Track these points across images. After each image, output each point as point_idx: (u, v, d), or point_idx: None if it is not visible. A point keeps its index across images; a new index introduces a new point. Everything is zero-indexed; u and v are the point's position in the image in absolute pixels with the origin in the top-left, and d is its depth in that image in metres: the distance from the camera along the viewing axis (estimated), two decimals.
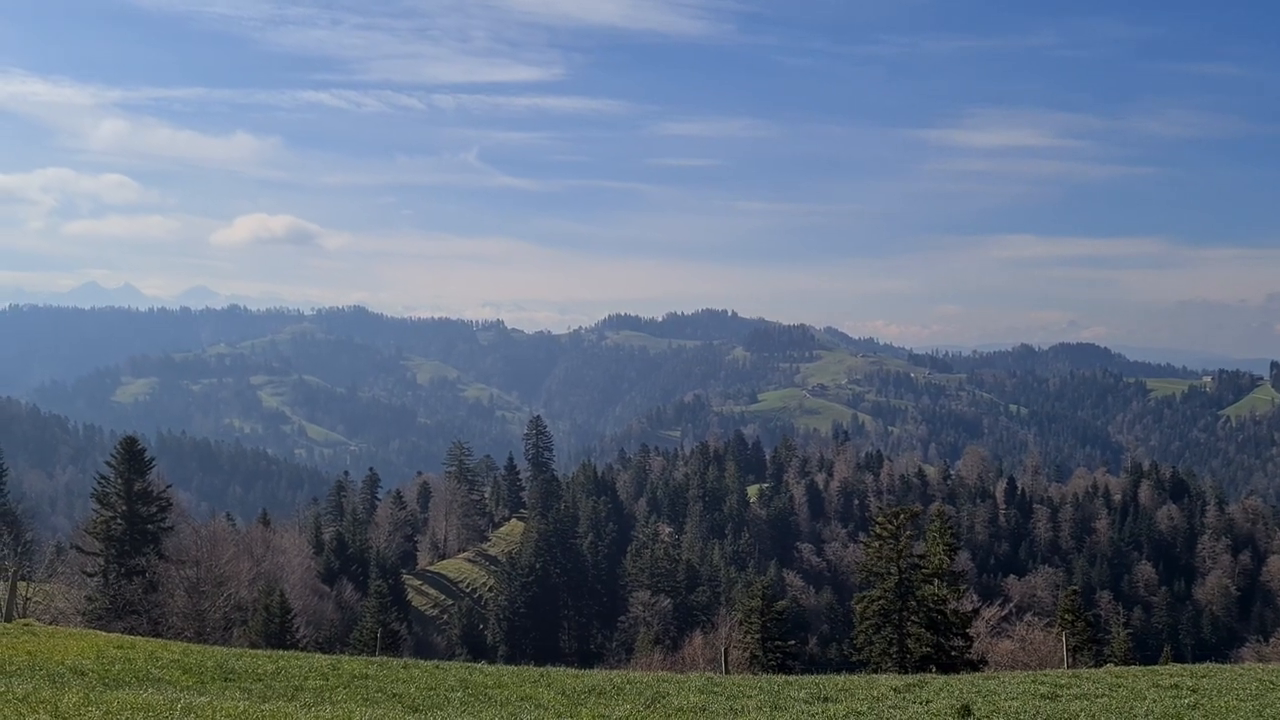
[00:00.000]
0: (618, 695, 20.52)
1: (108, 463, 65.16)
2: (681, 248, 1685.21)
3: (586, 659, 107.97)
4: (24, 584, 56.02)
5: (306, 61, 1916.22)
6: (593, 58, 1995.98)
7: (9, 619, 36.04)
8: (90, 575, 60.50)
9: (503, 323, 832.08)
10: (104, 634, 30.14)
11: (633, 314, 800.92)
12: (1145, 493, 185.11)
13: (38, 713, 11.52)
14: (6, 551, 59.32)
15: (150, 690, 16.73)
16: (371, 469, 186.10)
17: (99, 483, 63.99)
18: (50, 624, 39.85)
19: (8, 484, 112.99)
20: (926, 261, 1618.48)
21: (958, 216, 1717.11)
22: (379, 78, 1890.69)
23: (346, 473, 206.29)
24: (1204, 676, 23.46)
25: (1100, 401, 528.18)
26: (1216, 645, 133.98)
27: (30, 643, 23.86)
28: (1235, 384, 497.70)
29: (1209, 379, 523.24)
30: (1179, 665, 28.38)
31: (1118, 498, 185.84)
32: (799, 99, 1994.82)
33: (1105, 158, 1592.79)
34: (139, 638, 32.46)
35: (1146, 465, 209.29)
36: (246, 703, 14.61)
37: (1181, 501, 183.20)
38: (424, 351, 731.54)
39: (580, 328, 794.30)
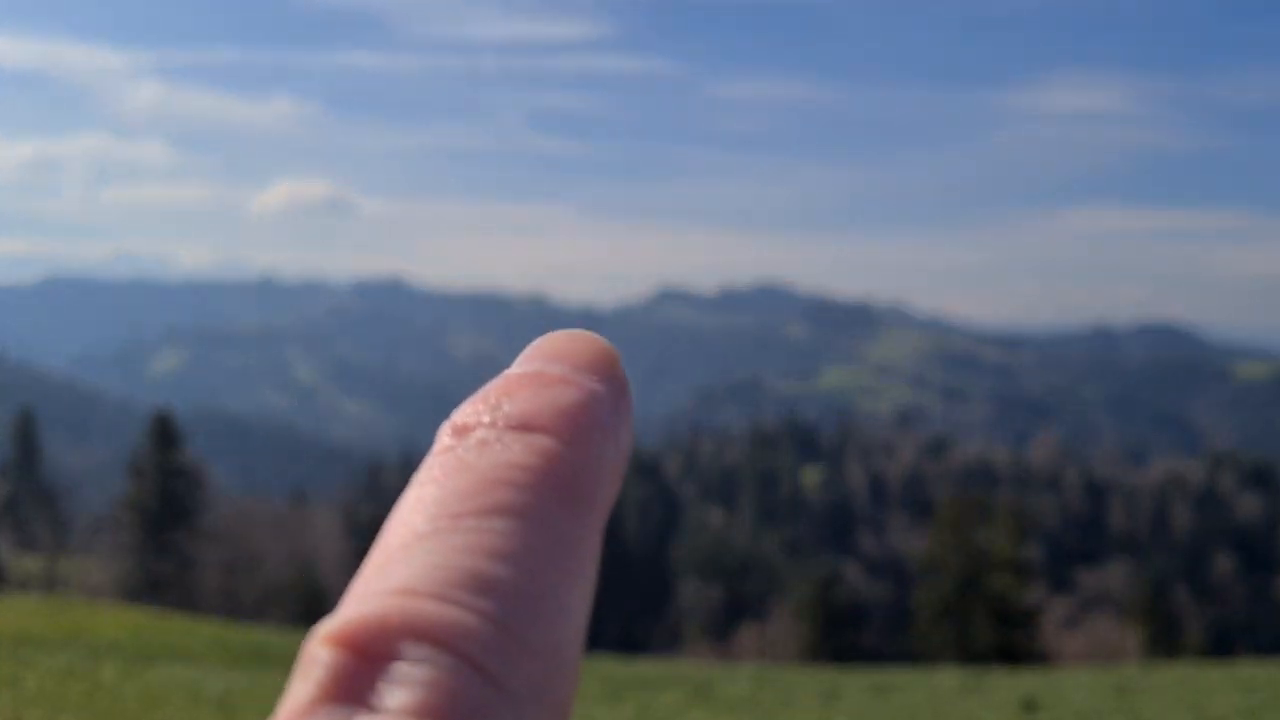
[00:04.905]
0: (664, 685, 20.21)
1: (142, 436, 65.46)
2: (736, 215, 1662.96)
3: (631, 647, 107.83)
4: (59, 558, 57.70)
5: (344, 17, 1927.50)
6: (643, 13, 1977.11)
7: (46, 592, 36.90)
8: (124, 550, 61.23)
9: (545, 295, 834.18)
10: (139, 609, 30.73)
11: (683, 286, 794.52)
12: (1226, 481, 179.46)
13: (80, 684, 11.50)
14: (42, 526, 60.85)
15: (186, 666, 16.75)
16: (407, 446, 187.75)
17: (133, 456, 64.33)
18: (85, 598, 40.90)
19: (42, 457, 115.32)
20: (999, 233, 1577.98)
21: (1033, 185, 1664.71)
22: (419, 35, 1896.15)
23: (381, 449, 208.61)
24: None
25: (1181, 384, 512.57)
26: None
27: (67, 616, 24.31)
28: None
29: None
30: (1256, 661, 27.40)
31: (1197, 485, 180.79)
32: (864, 58, 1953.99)
33: (1191, 123, 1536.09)
34: (173, 613, 33.07)
35: (1229, 452, 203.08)
36: (283, 679, 14.46)
37: (1266, 490, 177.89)
38: (462, 325, 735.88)
39: (627, 301, 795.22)
